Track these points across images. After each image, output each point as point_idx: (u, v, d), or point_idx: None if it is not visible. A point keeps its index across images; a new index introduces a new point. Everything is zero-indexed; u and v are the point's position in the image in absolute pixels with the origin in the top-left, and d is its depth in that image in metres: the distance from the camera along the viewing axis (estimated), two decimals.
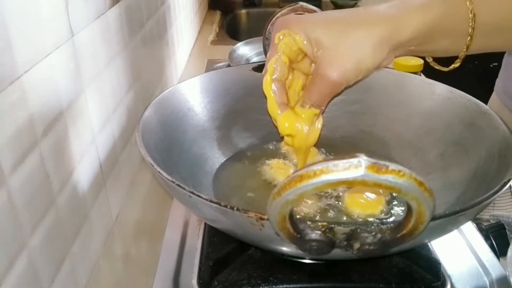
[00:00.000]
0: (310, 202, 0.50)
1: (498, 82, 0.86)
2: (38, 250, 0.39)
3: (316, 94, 0.44)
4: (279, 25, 0.45)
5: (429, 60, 0.51)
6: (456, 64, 0.48)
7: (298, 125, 0.47)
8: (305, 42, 0.44)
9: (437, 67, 0.50)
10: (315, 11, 0.63)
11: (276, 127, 0.49)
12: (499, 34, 0.45)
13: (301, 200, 0.30)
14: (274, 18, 0.63)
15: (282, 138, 0.51)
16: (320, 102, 0.45)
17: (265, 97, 0.48)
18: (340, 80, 0.42)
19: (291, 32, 0.44)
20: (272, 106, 0.47)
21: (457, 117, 0.54)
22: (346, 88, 0.45)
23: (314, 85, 0.44)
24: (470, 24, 0.42)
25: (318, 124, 0.49)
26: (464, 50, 0.45)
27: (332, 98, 0.46)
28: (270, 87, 0.47)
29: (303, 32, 0.44)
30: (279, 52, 0.45)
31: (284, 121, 0.47)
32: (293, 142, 0.50)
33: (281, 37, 0.45)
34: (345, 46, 0.42)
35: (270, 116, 0.49)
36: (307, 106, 0.46)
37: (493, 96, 0.86)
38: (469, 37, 0.43)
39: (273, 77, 0.46)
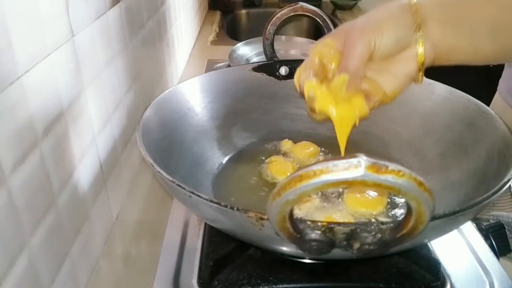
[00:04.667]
0: (310, 201, 0.50)
1: (502, 82, 0.86)
2: (38, 250, 0.39)
3: (344, 59, 0.44)
4: None
5: None
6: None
7: (322, 88, 0.45)
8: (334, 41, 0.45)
9: None
10: (315, 11, 0.63)
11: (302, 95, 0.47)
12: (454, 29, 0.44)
13: (301, 200, 0.30)
14: (274, 18, 0.64)
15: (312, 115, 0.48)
16: (349, 66, 0.44)
17: (298, 91, 0.47)
18: (362, 34, 0.42)
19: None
20: (298, 73, 0.47)
21: (457, 117, 0.54)
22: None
23: (343, 55, 0.45)
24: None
25: (362, 107, 0.46)
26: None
27: (363, 66, 0.44)
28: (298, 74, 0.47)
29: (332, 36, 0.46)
30: (310, 54, 0.46)
31: (308, 83, 0.46)
32: (317, 105, 0.46)
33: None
34: (365, 17, 0.44)
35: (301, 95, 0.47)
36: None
37: (497, 96, 0.86)
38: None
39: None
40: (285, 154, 0.61)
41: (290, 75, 0.65)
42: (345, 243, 0.33)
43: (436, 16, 0.43)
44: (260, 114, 0.65)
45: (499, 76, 0.87)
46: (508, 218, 0.53)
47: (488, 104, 0.52)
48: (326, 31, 0.64)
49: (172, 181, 0.39)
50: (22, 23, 0.36)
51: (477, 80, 1.09)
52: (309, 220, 0.33)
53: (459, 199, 0.46)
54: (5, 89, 0.34)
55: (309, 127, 0.65)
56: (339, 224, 0.33)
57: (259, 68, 0.64)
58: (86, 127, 0.50)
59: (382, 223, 0.33)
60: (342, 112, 0.46)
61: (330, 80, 0.45)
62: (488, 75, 0.93)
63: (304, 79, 0.46)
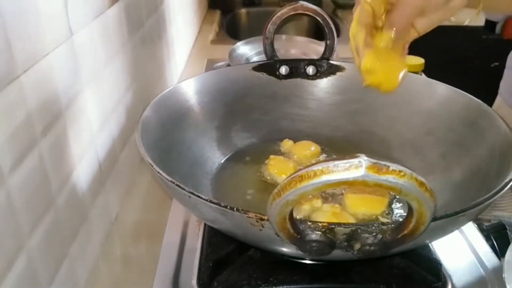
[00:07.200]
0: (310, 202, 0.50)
1: (503, 84, 0.84)
2: (37, 251, 0.39)
3: (393, 15, 0.44)
4: None
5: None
6: None
7: (380, 62, 0.47)
8: None
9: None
10: (315, 10, 0.63)
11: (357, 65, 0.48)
12: None
13: (301, 200, 0.30)
14: (274, 17, 0.63)
15: None
16: (397, 22, 0.44)
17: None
18: None
19: None
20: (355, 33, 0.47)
21: (458, 117, 0.54)
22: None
23: (392, 9, 0.45)
24: None
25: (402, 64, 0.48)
26: None
27: (409, 22, 0.44)
28: (355, 30, 0.47)
29: None
30: (361, 2, 0.46)
31: (368, 59, 0.46)
32: (373, 79, 0.49)
33: None
34: None
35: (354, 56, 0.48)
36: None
37: (498, 100, 0.84)
38: None
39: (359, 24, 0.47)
40: (285, 154, 0.60)
41: (290, 75, 0.65)
42: (345, 244, 0.33)
43: None
44: (260, 114, 0.64)
45: (500, 77, 0.86)
46: (509, 219, 0.53)
47: (489, 105, 0.52)
48: (326, 30, 0.64)
49: (171, 181, 0.38)
50: (20, 22, 0.36)
51: (478, 80, 1.09)
52: (310, 221, 0.33)
53: (460, 200, 0.46)
54: (4, 88, 0.34)
55: (309, 127, 0.65)
56: (339, 224, 0.32)
57: (259, 67, 0.64)
58: (84, 126, 0.49)
59: (383, 223, 0.33)
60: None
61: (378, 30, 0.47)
62: (488, 75, 0.92)
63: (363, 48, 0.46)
